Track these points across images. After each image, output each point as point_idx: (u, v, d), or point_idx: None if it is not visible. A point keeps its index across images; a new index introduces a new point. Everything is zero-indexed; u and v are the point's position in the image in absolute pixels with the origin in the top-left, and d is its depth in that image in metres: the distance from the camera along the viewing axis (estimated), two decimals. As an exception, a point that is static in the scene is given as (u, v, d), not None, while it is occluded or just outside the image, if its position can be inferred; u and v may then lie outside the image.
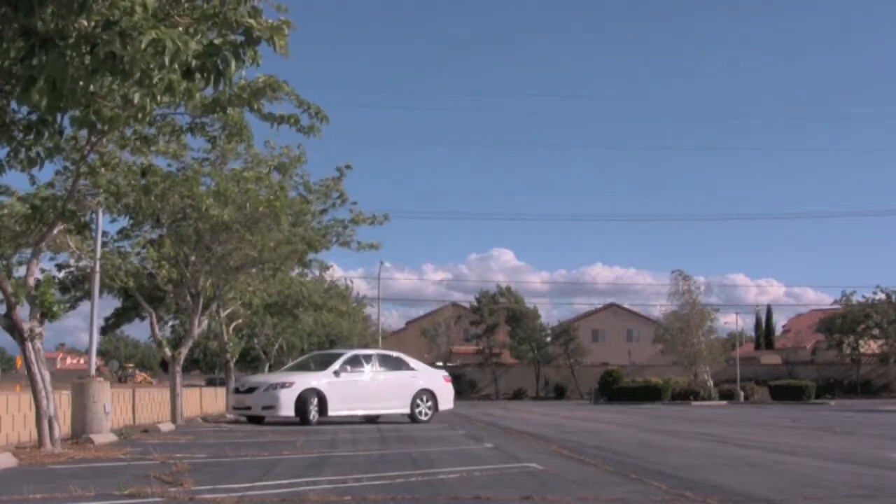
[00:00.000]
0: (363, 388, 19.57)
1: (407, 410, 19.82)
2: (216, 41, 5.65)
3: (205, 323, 21.28)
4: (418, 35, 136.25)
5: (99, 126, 7.28)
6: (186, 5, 5.74)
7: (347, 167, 19.52)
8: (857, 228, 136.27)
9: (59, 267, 20.01)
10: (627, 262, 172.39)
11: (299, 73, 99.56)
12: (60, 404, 13.07)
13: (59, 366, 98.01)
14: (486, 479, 7.91)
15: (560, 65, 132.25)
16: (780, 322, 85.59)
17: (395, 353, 22.44)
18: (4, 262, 14.81)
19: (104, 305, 35.76)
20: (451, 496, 6.71)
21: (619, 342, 74.99)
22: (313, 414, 18.61)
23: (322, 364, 20.12)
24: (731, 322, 67.06)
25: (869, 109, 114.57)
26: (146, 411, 20.37)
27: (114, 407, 16.33)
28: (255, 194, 16.58)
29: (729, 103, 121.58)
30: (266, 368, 36.81)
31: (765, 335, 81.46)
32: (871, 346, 60.93)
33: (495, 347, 68.01)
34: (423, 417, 19.77)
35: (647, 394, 49.95)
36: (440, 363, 62.95)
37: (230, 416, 24.64)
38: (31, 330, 11.60)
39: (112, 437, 13.59)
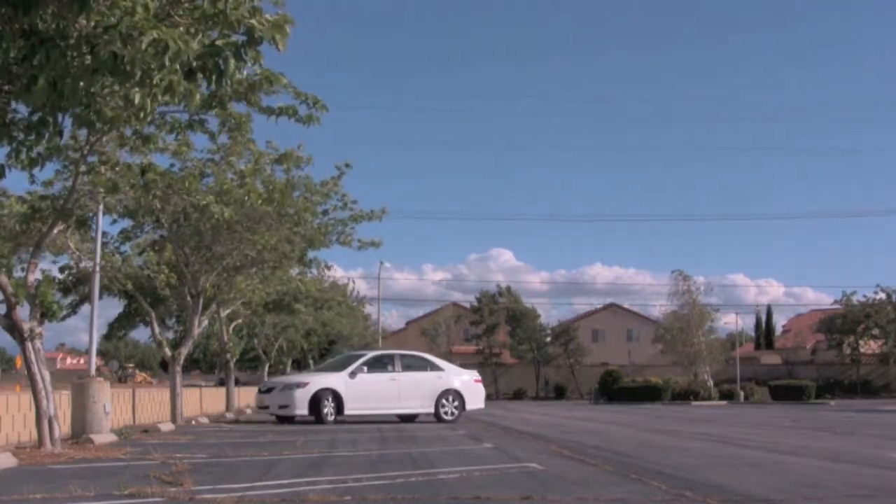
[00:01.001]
0: (383, 388, 19.81)
1: (431, 410, 19.99)
2: (218, 42, 5.64)
3: (205, 323, 21.29)
4: (420, 36, 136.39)
5: (99, 126, 7.28)
6: (187, 5, 5.73)
7: (347, 165, 19.52)
8: (857, 228, 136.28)
9: (61, 269, 20.03)
10: (627, 261, 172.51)
11: (299, 74, 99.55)
12: (60, 404, 13.07)
13: (59, 366, 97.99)
14: (486, 479, 7.91)
15: (561, 67, 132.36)
16: (780, 322, 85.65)
17: (421, 354, 22.81)
18: (4, 262, 14.83)
19: (104, 306, 35.77)
20: (451, 496, 6.71)
21: (619, 342, 74.97)
22: (328, 413, 19.00)
23: (347, 364, 20.47)
24: (731, 322, 67.12)
25: (869, 110, 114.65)
26: (146, 411, 20.37)
27: (114, 407, 16.33)
28: (254, 189, 16.54)
29: (729, 104, 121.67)
30: (266, 368, 36.86)
31: (765, 335, 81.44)
32: (871, 346, 60.91)
33: (495, 347, 68.00)
34: (448, 417, 19.90)
35: (647, 394, 49.94)
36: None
37: (230, 416, 24.68)
38: (31, 330, 11.60)
39: (112, 437, 13.59)
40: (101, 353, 72.12)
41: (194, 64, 5.58)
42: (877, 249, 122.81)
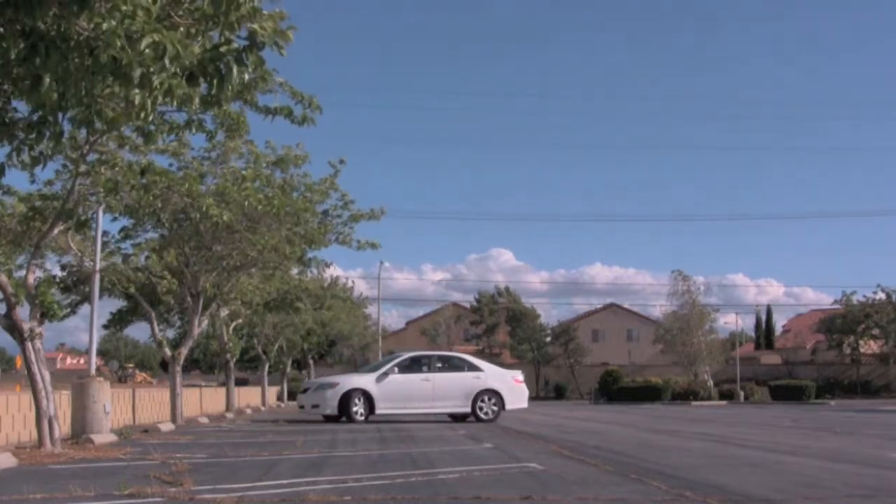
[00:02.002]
0: (415, 389, 20.23)
1: (467, 410, 20.29)
2: (222, 49, 5.63)
3: (205, 323, 21.30)
4: (419, 34, 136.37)
5: (99, 126, 7.28)
6: (187, 6, 5.72)
7: (341, 161, 19.52)
8: (857, 228, 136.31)
9: (63, 267, 20.04)
10: (626, 261, 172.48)
11: (297, 71, 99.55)
12: (60, 404, 13.08)
13: (59, 366, 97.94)
14: (486, 479, 7.92)
15: (560, 65, 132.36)
16: (780, 322, 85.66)
17: (459, 355, 23.33)
18: (4, 262, 14.84)
19: (104, 306, 35.78)
20: (451, 496, 6.71)
21: (619, 342, 75.01)
22: (358, 413, 19.63)
23: (383, 365, 21.12)
24: (731, 322, 67.17)
25: (869, 110, 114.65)
26: (146, 411, 20.38)
27: (114, 407, 16.34)
28: (254, 193, 16.55)
29: (728, 103, 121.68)
30: (266, 368, 36.86)
31: (765, 335, 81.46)
32: (871, 346, 60.92)
33: (495, 347, 68.07)
34: (485, 416, 20.14)
35: (647, 394, 49.95)
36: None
37: (229, 416, 24.68)
38: (31, 330, 11.60)
39: (112, 437, 13.60)
40: (101, 353, 72.17)
41: (195, 69, 5.58)
42: (877, 249, 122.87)
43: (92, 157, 12.17)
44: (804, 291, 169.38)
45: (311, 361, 53.95)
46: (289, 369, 45.91)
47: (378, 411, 19.88)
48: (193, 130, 10.41)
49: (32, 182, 13.54)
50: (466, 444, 12.83)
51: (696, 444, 13.33)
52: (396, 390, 20.06)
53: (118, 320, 28.97)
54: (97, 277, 17.20)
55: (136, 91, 5.60)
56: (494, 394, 20.49)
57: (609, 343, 74.65)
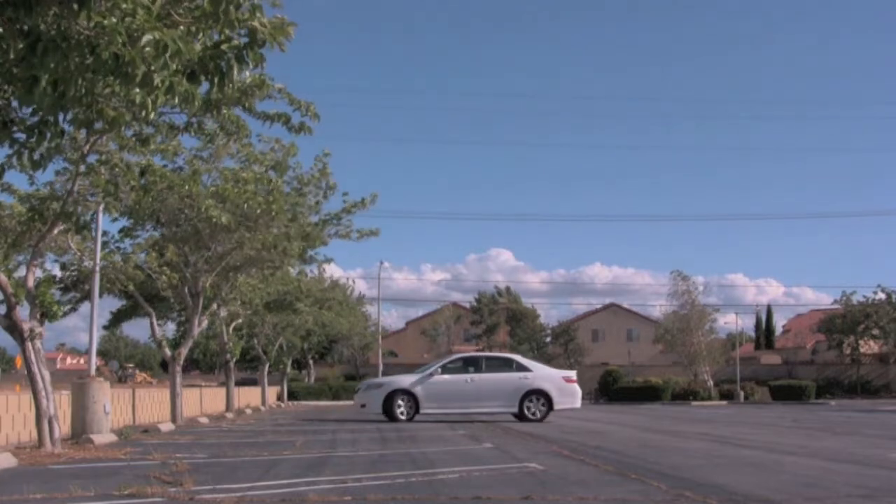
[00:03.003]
0: (461, 389, 20.48)
1: (514, 410, 20.38)
2: (223, 46, 5.63)
3: (205, 323, 21.31)
4: (418, 33, 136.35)
5: (99, 126, 7.28)
6: (187, 4, 5.72)
7: (326, 154, 19.53)
8: (857, 228, 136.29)
9: (63, 267, 20.03)
10: (626, 261, 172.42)
11: (297, 72, 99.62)
12: (60, 404, 13.09)
13: (59, 366, 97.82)
14: (486, 479, 7.92)
15: (558, 65, 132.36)
16: (779, 322, 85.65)
17: (508, 356, 23.56)
18: (4, 261, 14.83)
19: (105, 305, 35.78)
20: (451, 496, 6.71)
21: (618, 342, 75.00)
22: (401, 413, 20.10)
23: (432, 366, 21.56)
24: (731, 322, 67.14)
25: (869, 109, 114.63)
26: (146, 411, 20.38)
27: (114, 407, 16.34)
28: (252, 195, 16.56)
29: (727, 103, 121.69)
30: (266, 368, 36.87)
31: (765, 335, 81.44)
32: (871, 347, 60.91)
33: (495, 347, 67.98)
34: (532, 416, 20.19)
35: (647, 394, 49.95)
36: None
37: (229, 416, 24.68)
38: (31, 330, 11.61)
39: (112, 438, 13.61)
40: (101, 353, 72.17)
41: (196, 66, 5.58)
42: (877, 249, 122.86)
43: (92, 157, 12.17)
44: (803, 291, 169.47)
45: (310, 361, 53.95)
46: (289, 369, 45.87)
47: (423, 411, 20.30)
48: (193, 133, 10.43)
49: (32, 184, 13.57)
50: (466, 444, 12.83)
51: (696, 444, 13.33)
52: (441, 391, 20.38)
53: (115, 320, 29.01)
54: (97, 277, 17.21)
55: (137, 90, 5.60)
56: (542, 394, 20.47)
57: (609, 343, 74.63)
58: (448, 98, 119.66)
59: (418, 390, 20.34)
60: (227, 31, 5.66)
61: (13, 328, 11.52)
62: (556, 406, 20.56)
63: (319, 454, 11.00)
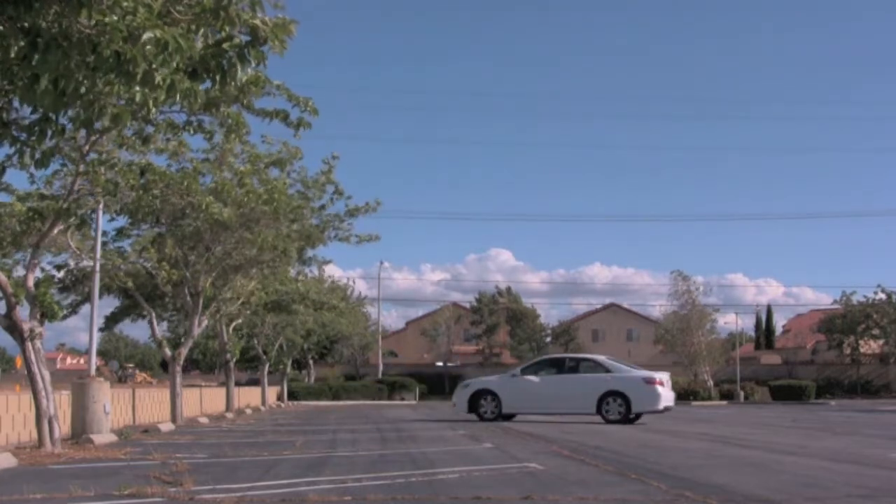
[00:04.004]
0: (540, 390, 20.63)
1: (591, 411, 20.23)
2: (225, 45, 5.63)
3: (204, 323, 21.30)
4: (415, 33, 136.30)
5: (99, 125, 7.28)
6: (186, 1, 5.72)
7: (334, 157, 19.52)
8: (857, 228, 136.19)
9: (59, 267, 20.03)
10: (626, 261, 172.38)
11: (296, 71, 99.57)
12: (60, 404, 13.08)
13: (59, 366, 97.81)
14: (486, 479, 7.92)
15: (557, 64, 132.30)
16: (780, 322, 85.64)
17: (592, 357, 23.34)
18: (4, 259, 14.83)
19: (104, 306, 35.75)
20: (451, 496, 6.71)
21: (618, 342, 74.97)
22: (486, 412, 20.53)
23: (534, 365, 21.95)
24: (731, 322, 67.12)
25: (870, 109, 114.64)
26: (146, 411, 20.38)
27: (114, 407, 16.34)
28: (252, 190, 16.54)
29: (727, 102, 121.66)
30: (266, 368, 36.87)
31: (765, 335, 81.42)
32: (871, 347, 60.91)
33: (495, 347, 68.04)
34: (611, 417, 19.91)
35: (647, 394, 49.84)
36: (440, 363, 63.01)
37: (229, 416, 24.65)
38: (31, 330, 11.60)
39: (112, 437, 13.60)
40: (101, 353, 72.17)
41: (197, 65, 5.58)
42: (877, 249, 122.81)
43: (91, 156, 12.17)
44: (804, 291, 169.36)
45: (310, 361, 53.94)
46: (289, 369, 45.85)
47: (505, 411, 20.59)
48: (192, 131, 10.43)
49: (32, 183, 13.57)
50: (466, 444, 12.83)
51: (696, 444, 13.32)
52: (522, 391, 20.58)
53: (111, 321, 28.95)
54: (97, 277, 17.21)
55: (138, 89, 5.60)
56: (620, 396, 20.10)
57: (609, 343, 74.56)
58: (448, 98, 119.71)
59: (501, 390, 20.67)
60: (227, 29, 5.66)
61: (13, 328, 11.52)
62: (634, 408, 20.02)
63: (319, 454, 11.01)
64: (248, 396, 36.38)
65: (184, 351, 20.31)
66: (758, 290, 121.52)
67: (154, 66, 5.30)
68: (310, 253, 22.49)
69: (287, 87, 9.58)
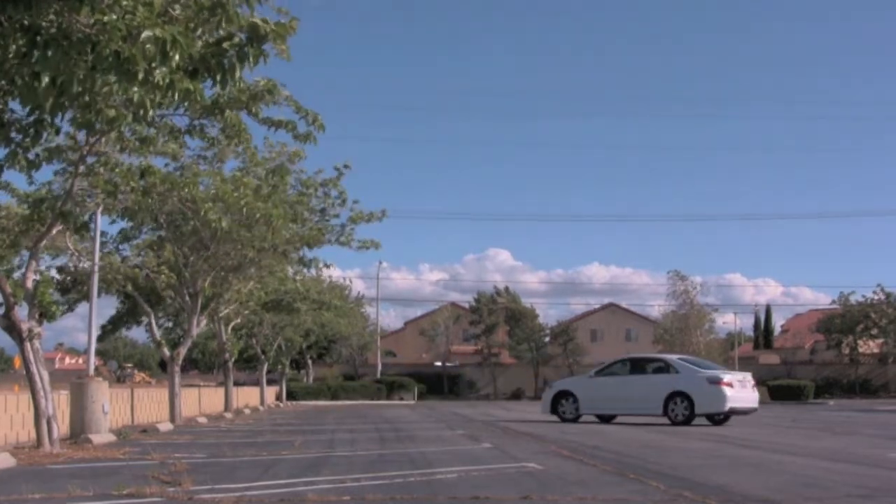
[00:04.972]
0: (613, 391, 20.73)
1: (658, 412, 20.04)
2: (224, 44, 5.63)
3: (203, 323, 21.28)
4: (415, 33, 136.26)
5: (98, 126, 7.27)
6: (184, 0, 5.71)
7: (346, 167, 19.50)
8: (855, 228, 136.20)
9: (59, 270, 20.02)
10: (624, 261, 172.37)
11: (295, 70, 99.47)
12: (59, 404, 13.07)
13: (57, 366, 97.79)
14: (485, 479, 7.91)
15: (557, 63, 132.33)
16: (778, 322, 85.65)
17: (662, 357, 23.34)
18: (3, 259, 14.82)
19: (103, 306, 35.73)
20: (450, 496, 6.71)
21: (617, 342, 74.95)
22: (565, 412, 20.83)
23: (610, 366, 22.00)
24: (730, 322, 67.16)
25: (870, 109, 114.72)
26: (145, 411, 20.37)
27: (112, 407, 16.33)
28: (252, 201, 16.50)
29: (727, 102, 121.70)
30: (264, 368, 36.86)
31: (763, 335, 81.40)
32: (869, 346, 60.94)
33: (494, 347, 68.00)
34: (676, 418, 19.64)
35: (647, 394, 49.84)
36: (439, 363, 63.01)
37: (228, 416, 24.63)
38: (30, 330, 11.59)
39: (111, 437, 13.59)
40: (99, 353, 72.12)
41: (197, 64, 5.57)
42: (876, 249, 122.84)
43: (91, 158, 12.16)
44: (802, 291, 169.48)
45: (309, 361, 53.93)
46: (287, 369, 45.84)
47: (582, 412, 20.77)
48: (194, 136, 10.44)
49: (31, 184, 13.55)
50: (465, 444, 12.83)
51: (695, 443, 13.32)
52: (597, 392, 20.74)
53: (112, 330, 28.92)
54: (95, 278, 17.20)
55: (136, 89, 5.59)
56: (684, 396, 19.79)
57: (608, 343, 74.60)
58: (448, 98, 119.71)
59: (579, 391, 20.90)
60: (227, 27, 5.65)
61: (12, 328, 11.51)
62: (698, 409, 19.60)
63: (318, 454, 11.00)
64: (246, 396, 36.35)
65: (182, 351, 20.29)
66: (756, 289, 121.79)
67: (153, 64, 5.29)
68: (310, 255, 22.41)
69: (295, 98, 9.61)
